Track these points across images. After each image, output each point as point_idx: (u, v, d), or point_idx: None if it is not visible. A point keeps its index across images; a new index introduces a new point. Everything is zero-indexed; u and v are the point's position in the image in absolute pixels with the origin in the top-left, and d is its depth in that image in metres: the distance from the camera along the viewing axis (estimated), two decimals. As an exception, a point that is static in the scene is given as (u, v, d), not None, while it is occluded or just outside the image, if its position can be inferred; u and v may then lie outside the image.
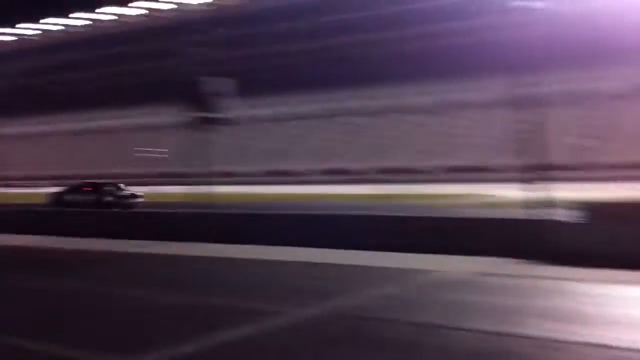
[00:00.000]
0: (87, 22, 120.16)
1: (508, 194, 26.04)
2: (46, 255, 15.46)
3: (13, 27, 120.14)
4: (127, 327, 7.75)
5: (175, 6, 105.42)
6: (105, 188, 31.84)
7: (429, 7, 73.08)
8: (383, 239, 13.73)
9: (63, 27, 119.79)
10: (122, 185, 32.62)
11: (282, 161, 75.62)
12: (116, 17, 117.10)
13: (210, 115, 17.86)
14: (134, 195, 31.54)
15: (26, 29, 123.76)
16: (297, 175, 67.87)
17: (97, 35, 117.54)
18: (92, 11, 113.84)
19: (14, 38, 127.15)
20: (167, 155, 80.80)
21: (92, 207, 28.32)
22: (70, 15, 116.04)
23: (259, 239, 14.94)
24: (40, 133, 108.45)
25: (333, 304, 8.76)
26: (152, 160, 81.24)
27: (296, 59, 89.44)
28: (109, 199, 30.39)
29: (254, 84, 74.78)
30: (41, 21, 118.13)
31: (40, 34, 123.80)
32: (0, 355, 6.46)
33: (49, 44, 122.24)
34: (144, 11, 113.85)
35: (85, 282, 11.00)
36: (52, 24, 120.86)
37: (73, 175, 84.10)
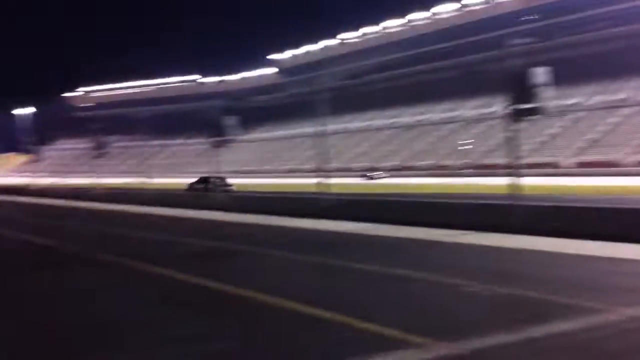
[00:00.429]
0: (404, 21, 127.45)
1: None
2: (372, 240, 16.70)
3: (356, 29, 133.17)
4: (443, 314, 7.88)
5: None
6: (211, 180, 43.31)
7: None
8: None
9: (400, 26, 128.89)
10: (225, 178, 44.29)
11: (597, 150, 70.31)
12: (430, 15, 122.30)
13: (529, 105, 17.52)
14: (226, 184, 42.64)
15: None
16: (619, 167, 62.67)
17: (412, 35, 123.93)
18: (426, 9, 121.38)
19: (357, 39, 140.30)
20: (476, 147, 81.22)
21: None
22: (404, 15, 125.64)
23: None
24: (366, 128, 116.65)
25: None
26: (467, 152, 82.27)
27: (610, 45, 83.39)
28: (210, 187, 40.51)
29: (569, 72, 71.36)
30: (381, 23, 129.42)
31: (380, 32, 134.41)
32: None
33: (369, 46, 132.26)
34: (456, 6, 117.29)
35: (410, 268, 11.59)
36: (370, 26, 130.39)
37: (390, 167, 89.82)
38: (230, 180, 44.99)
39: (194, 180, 47.89)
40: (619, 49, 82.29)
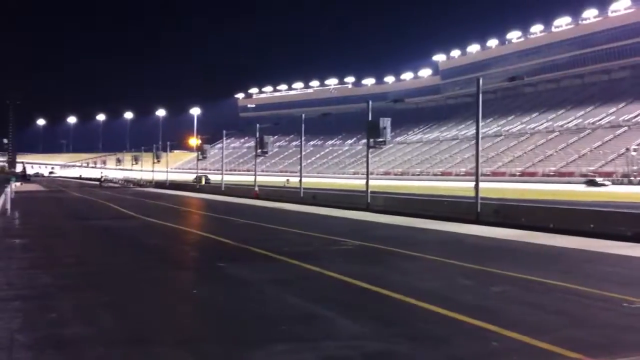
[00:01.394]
0: (570, 20, 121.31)
1: None
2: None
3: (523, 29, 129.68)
4: None
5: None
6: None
7: None
8: None
9: (568, 25, 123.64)
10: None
11: None
12: (598, 13, 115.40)
13: None
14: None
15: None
16: None
17: (579, 34, 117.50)
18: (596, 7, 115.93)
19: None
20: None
21: None
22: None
23: None
24: (525, 132, 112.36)
25: None
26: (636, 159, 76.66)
27: None
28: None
29: None
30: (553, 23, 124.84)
31: (544, 32, 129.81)
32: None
33: (532, 46, 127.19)
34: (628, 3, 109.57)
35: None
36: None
37: (551, 172, 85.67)
38: (375, 183, 44.32)
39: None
40: None
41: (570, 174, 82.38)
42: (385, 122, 30.76)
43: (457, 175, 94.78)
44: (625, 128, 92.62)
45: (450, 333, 7.07)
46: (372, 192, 31.47)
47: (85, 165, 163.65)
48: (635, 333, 7.19)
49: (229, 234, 18.26)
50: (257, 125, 48.71)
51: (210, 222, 25.31)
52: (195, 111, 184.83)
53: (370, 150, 32.62)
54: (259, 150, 47.26)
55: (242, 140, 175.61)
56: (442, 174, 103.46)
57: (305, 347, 6.45)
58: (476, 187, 23.91)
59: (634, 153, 76.95)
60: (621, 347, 6.48)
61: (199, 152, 66.64)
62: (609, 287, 9.90)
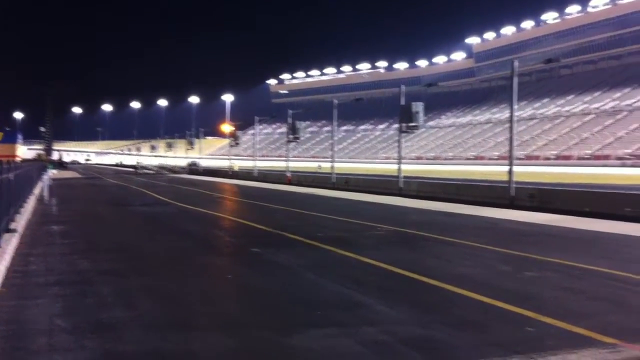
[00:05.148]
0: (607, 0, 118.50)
1: None
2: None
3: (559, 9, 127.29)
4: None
5: None
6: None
7: None
8: None
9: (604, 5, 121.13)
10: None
11: None
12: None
13: None
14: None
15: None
16: None
17: (616, 15, 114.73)
18: None
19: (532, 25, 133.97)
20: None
21: None
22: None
23: None
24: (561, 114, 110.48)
25: None
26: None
27: None
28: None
29: None
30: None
31: (580, 13, 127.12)
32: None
33: (568, 27, 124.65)
34: None
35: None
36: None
37: (587, 156, 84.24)
38: (407, 167, 43.47)
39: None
40: None
41: (606, 157, 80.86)
42: (418, 107, 30.52)
43: (490, 159, 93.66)
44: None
45: (487, 319, 7.03)
46: (404, 177, 31.31)
47: (120, 152, 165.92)
48: None
49: (263, 219, 18.35)
50: (289, 111, 48.72)
51: (243, 207, 25.47)
52: (228, 97, 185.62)
53: (403, 135, 32.40)
54: (291, 136, 47.33)
55: (274, 126, 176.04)
56: (475, 158, 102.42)
57: (343, 333, 6.46)
58: (510, 170, 23.62)
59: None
60: None
61: (232, 139, 66.95)
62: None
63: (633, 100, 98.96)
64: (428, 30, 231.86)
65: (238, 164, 77.09)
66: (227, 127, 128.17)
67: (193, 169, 79.71)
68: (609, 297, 8.21)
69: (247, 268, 10.60)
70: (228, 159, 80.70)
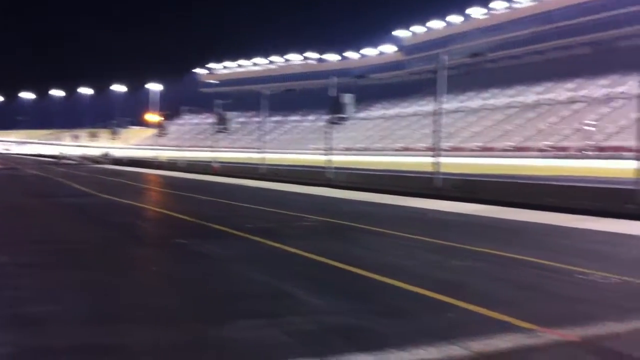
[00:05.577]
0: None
1: None
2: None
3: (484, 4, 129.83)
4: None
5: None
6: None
7: None
8: None
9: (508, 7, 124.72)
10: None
11: None
12: None
13: None
14: None
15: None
16: None
17: (541, 11, 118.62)
18: None
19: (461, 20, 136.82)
20: (600, 129, 76.79)
21: None
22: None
23: None
24: (486, 107, 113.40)
25: None
26: (590, 134, 78.12)
27: None
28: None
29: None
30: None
31: (507, 8, 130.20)
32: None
33: (495, 22, 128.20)
34: None
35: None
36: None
37: (510, 147, 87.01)
38: (337, 158, 44.04)
39: None
40: None
41: (528, 149, 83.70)
42: (348, 98, 30.75)
43: (418, 150, 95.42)
44: (584, 104, 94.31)
45: (414, 307, 7.11)
46: (334, 168, 31.47)
47: (42, 142, 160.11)
48: (588, 304, 7.38)
49: (189, 210, 18.05)
50: (217, 101, 48.13)
51: (169, 199, 25.00)
52: (155, 86, 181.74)
53: (333, 126, 32.56)
54: (219, 127, 46.82)
55: (203, 117, 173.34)
56: (404, 149, 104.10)
57: (270, 323, 6.40)
58: (436, 162, 24.10)
59: (589, 128, 78.42)
60: (573, 318, 6.64)
61: (159, 128, 65.68)
62: (565, 259, 10.12)
63: (555, 94, 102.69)
64: (359, 22, 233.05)
65: (165, 155, 75.67)
66: (152, 117, 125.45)
67: (112, 159, 77.68)
68: (528, 283, 8.47)
69: (173, 260, 10.37)
70: (154, 149, 79.06)
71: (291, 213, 17.36)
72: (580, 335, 6.02)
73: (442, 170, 24.74)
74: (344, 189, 27.83)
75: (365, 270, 9.11)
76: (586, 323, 6.40)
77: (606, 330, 6.23)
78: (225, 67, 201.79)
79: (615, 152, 64.07)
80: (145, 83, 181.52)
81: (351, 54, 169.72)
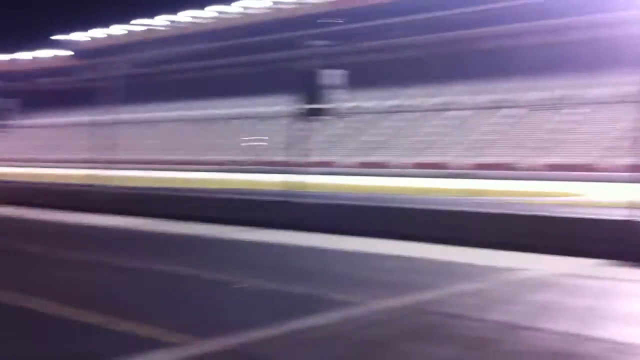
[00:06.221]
0: (214, 15, 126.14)
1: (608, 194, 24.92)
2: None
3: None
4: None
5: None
6: None
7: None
8: (465, 235, 13.75)
9: (192, 19, 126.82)
10: None
11: (380, 153, 75.66)
12: (242, 10, 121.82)
13: (319, 106, 18.05)
14: None
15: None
16: (392, 168, 67.94)
17: (220, 28, 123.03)
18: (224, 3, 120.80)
19: (144, 28, 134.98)
20: (268, 144, 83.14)
21: None
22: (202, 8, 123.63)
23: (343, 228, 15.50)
24: (156, 119, 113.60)
25: (413, 298, 8.53)
26: (255, 149, 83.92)
27: (409, 53, 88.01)
28: None
29: (366, 76, 75.38)
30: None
31: (169, 25, 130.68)
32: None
33: (175, 35, 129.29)
34: (269, 4, 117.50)
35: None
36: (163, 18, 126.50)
37: (175, 161, 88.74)
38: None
39: None
40: (417, 56, 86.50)
41: (196, 163, 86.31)
42: (9, 104, 28.29)
43: (73, 162, 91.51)
44: (253, 120, 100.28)
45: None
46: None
47: None
48: (233, 311, 7.78)
49: None
50: None
51: None
52: None
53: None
54: None
55: None
56: (68, 161, 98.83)
57: None
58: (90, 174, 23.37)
59: (246, 144, 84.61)
60: (222, 326, 6.86)
61: None
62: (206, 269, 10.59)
63: (217, 111, 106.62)
64: (22, 23, 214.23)
65: None
66: None
67: None
68: (179, 296, 8.64)
69: None
70: None
71: None
72: (234, 343, 6.17)
73: (111, 182, 24.22)
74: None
75: None
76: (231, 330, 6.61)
77: (263, 335, 6.48)
78: None
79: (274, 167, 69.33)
80: None
81: (21, 56, 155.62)
